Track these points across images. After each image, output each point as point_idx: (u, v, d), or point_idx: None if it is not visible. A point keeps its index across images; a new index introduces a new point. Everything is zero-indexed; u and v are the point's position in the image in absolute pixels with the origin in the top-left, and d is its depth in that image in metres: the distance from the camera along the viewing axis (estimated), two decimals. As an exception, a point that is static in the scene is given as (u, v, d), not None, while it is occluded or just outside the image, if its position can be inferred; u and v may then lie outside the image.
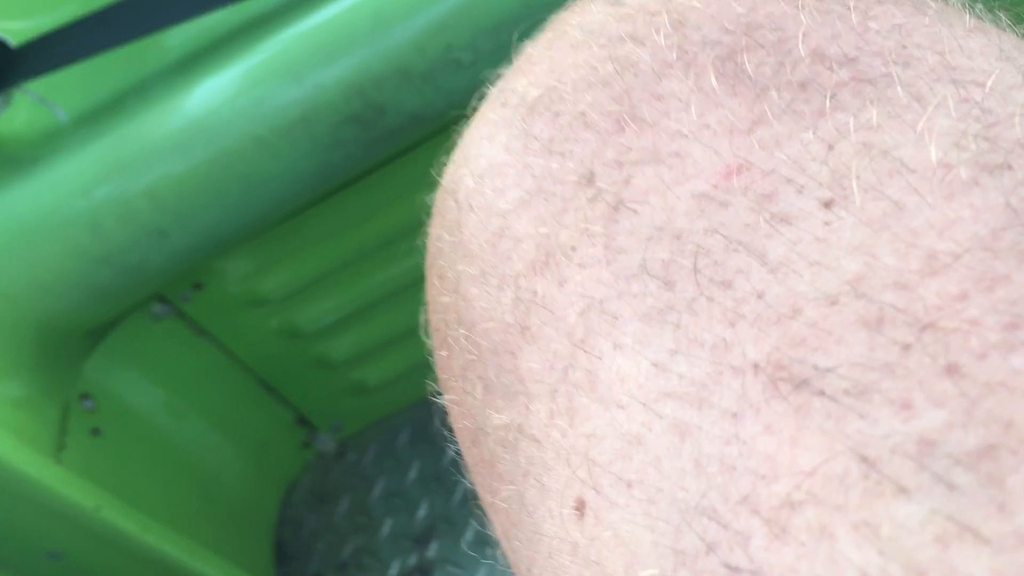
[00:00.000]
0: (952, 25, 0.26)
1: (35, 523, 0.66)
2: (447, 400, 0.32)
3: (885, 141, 0.23)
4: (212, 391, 0.85)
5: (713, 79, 0.26)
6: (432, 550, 0.85)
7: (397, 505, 0.87)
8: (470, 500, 0.83)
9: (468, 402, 0.29)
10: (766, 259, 0.22)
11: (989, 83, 0.24)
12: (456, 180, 0.31)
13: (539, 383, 0.25)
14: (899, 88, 0.24)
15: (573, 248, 0.25)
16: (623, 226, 0.25)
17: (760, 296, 0.21)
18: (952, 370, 0.18)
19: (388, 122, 0.65)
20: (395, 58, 0.63)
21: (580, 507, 0.23)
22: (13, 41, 0.62)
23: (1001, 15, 0.27)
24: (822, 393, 0.19)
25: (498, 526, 0.28)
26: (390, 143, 0.67)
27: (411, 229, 0.79)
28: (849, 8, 0.26)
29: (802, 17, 0.26)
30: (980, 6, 0.27)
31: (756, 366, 0.21)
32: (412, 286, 0.83)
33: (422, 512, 0.86)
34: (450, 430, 0.33)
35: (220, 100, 0.64)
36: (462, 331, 0.29)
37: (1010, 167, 0.21)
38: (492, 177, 0.29)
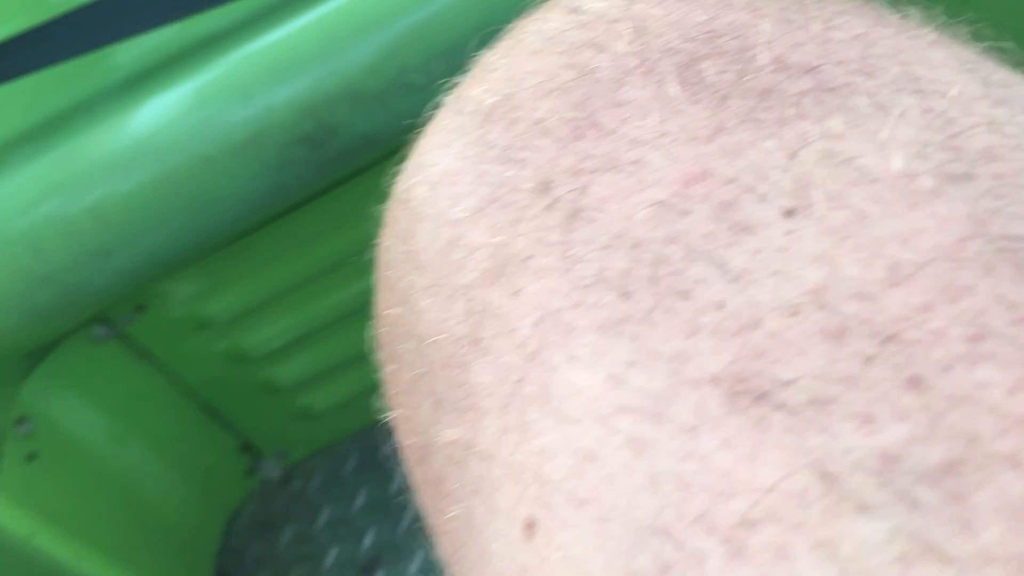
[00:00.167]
0: (914, 37, 0.26)
1: (-35, 551, 0.64)
2: (395, 416, 0.31)
3: (848, 150, 0.22)
4: (154, 416, 0.83)
5: (674, 87, 0.26)
6: (378, 580, 0.83)
7: (342, 534, 0.86)
8: (417, 528, 0.82)
9: (416, 418, 0.28)
10: (726, 268, 0.21)
11: (952, 94, 0.23)
12: (409, 189, 0.31)
13: (490, 397, 0.24)
14: (862, 97, 0.24)
15: (528, 257, 0.25)
16: (580, 235, 0.24)
17: (720, 306, 0.21)
18: (915, 382, 0.18)
19: (339, 144, 0.65)
20: (348, 80, 0.63)
21: (530, 526, 0.22)
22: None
23: (962, 30, 0.27)
24: (782, 406, 0.19)
25: (445, 548, 0.28)
26: (341, 165, 0.67)
27: (361, 252, 0.79)
28: (811, 18, 0.26)
29: (764, 26, 0.26)
30: (941, 21, 0.27)
31: (715, 378, 0.20)
32: (361, 310, 0.82)
33: (368, 541, 0.84)
34: (398, 450, 0.32)
35: (168, 118, 0.63)
36: (411, 344, 0.28)
37: (973, 177, 0.21)
38: (446, 185, 0.29)
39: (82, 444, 0.78)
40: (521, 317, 0.24)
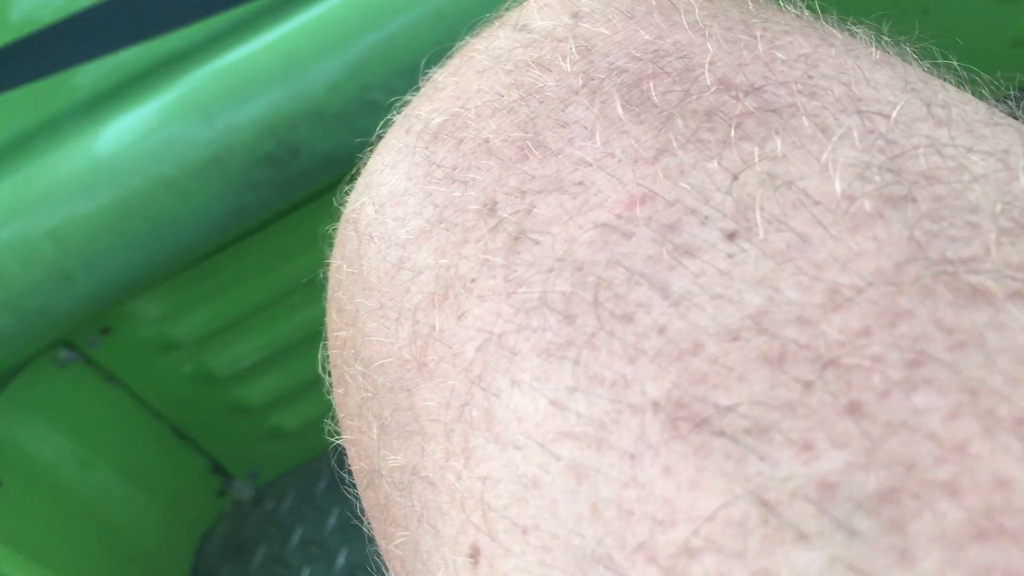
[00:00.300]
0: (858, 57, 0.26)
1: (-72, 581, 0.64)
2: (344, 440, 0.31)
3: (790, 172, 0.22)
4: (122, 439, 0.82)
5: (619, 106, 0.25)
6: (351, 600, 0.83)
7: (315, 554, 0.85)
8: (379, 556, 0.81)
9: (364, 442, 0.28)
10: (668, 292, 0.21)
11: (894, 114, 0.23)
12: (357, 208, 0.30)
13: (435, 422, 0.24)
14: (804, 118, 0.23)
15: (473, 280, 0.25)
16: (524, 257, 0.24)
17: (661, 331, 0.21)
18: (854, 409, 0.18)
19: (303, 163, 0.65)
20: (310, 99, 0.63)
21: (474, 555, 0.22)
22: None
23: (907, 48, 0.27)
24: (722, 433, 0.19)
25: (394, 574, 0.27)
26: (305, 184, 0.67)
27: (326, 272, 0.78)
28: (756, 37, 0.26)
29: (709, 46, 0.26)
30: (886, 39, 0.27)
31: (656, 404, 0.20)
32: (329, 329, 0.82)
33: (341, 560, 0.84)
34: (351, 476, 0.31)
35: (128, 139, 0.63)
36: (359, 367, 0.28)
37: (914, 199, 0.21)
38: (393, 206, 0.28)
39: (48, 470, 0.77)
40: (465, 341, 0.24)
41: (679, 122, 0.24)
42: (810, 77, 0.25)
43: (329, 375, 0.32)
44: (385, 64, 0.62)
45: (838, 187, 0.21)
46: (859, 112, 0.23)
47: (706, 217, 0.22)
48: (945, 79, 0.27)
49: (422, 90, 0.32)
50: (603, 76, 0.27)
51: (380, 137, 0.32)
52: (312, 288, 0.79)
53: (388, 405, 0.26)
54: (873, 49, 0.27)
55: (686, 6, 0.28)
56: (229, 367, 0.83)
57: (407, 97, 0.33)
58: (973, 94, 0.26)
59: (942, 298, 0.19)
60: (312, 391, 0.86)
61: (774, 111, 0.24)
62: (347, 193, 0.32)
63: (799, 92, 0.24)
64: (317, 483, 0.89)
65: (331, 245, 0.33)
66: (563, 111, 0.26)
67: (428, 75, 0.33)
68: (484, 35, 0.32)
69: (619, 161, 0.24)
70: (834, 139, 0.23)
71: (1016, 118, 0.25)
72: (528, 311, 0.23)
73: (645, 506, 0.19)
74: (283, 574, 0.85)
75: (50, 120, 0.64)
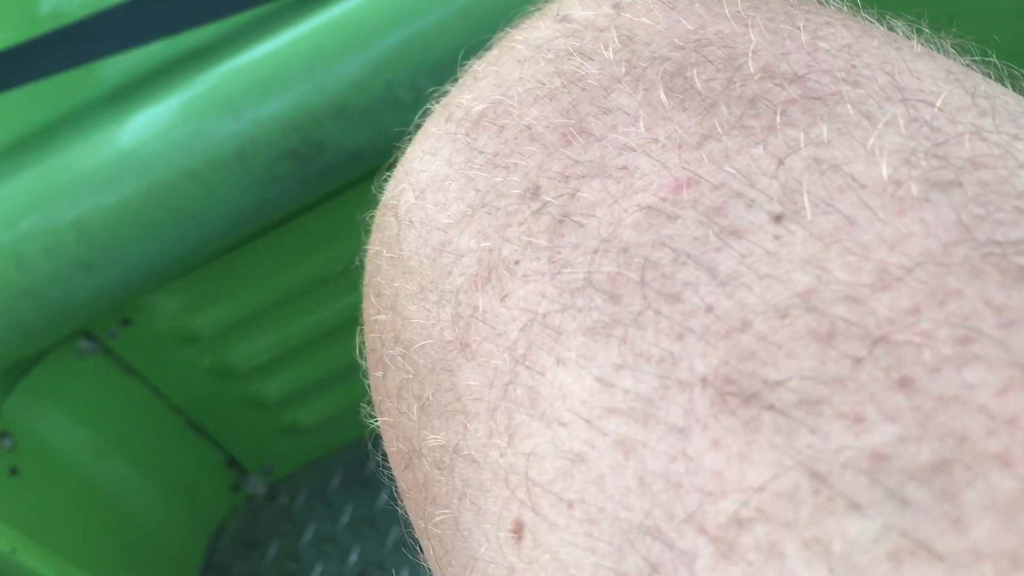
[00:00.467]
0: (900, 48, 0.26)
1: (-54, 566, 0.64)
2: (381, 422, 0.31)
3: (835, 157, 0.22)
4: (138, 431, 0.83)
5: (662, 94, 0.26)
6: (363, 597, 0.83)
7: (328, 551, 0.85)
8: (403, 545, 0.81)
9: (403, 423, 0.28)
10: (715, 272, 0.21)
11: (938, 103, 0.24)
12: (397, 195, 0.31)
13: (478, 401, 0.24)
14: (849, 106, 0.24)
15: (516, 262, 0.25)
16: (568, 239, 0.24)
17: (709, 309, 0.21)
18: (905, 384, 0.18)
19: (326, 159, 0.65)
20: (335, 95, 0.63)
21: (518, 529, 0.23)
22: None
23: (946, 42, 0.27)
24: (772, 407, 0.19)
25: (431, 554, 0.27)
26: (328, 180, 0.67)
27: (347, 268, 0.78)
28: (799, 28, 0.27)
29: (752, 35, 0.26)
30: (928, 32, 0.27)
31: (704, 380, 0.20)
32: (347, 326, 0.82)
33: (353, 558, 0.84)
34: (384, 464, 0.32)
35: (154, 132, 0.63)
36: (399, 349, 0.28)
37: (960, 184, 0.21)
38: (434, 191, 0.29)
39: (65, 459, 0.77)
40: (509, 321, 0.24)
41: (723, 109, 0.25)
42: (853, 66, 0.25)
43: (365, 360, 0.33)
44: (410, 62, 0.62)
45: (884, 171, 0.22)
46: (903, 100, 0.24)
47: (752, 200, 0.22)
48: (987, 74, 0.27)
49: (461, 80, 0.32)
50: (646, 64, 0.27)
51: (418, 126, 0.32)
52: (331, 284, 0.80)
53: (429, 386, 0.26)
54: (915, 42, 0.27)
55: None
56: (247, 362, 0.83)
57: (445, 88, 0.33)
58: (1014, 90, 0.27)
59: (991, 278, 0.19)
60: (328, 388, 0.86)
61: (818, 99, 0.24)
62: (385, 181, 0.33)
63: (843, 80, 0.25)
64: (331, 480, 0.90)
65: (368, 232, 0.33)
66: (606, 98, 0.27)
67: (466, 66, 0.33)
68: (524, 26, 0.32)
69: (663, 146, 0.24)
70: (879, 126, 0.23)
71: None
72: (573, 291, 0.23)
73: (694, 478, 0.19)
74: (295, 570, 0.85)
75: (76, 111, 0.64)
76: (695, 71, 0.26)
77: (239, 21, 0.63)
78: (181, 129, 0.63)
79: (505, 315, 0.24)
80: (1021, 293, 0.19)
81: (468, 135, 0.29)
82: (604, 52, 0.28)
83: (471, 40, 0.60)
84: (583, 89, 0.27)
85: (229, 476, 0.91)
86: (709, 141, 0.24)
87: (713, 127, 0.24)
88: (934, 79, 0.25)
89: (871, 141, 0.23)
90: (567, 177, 0.25)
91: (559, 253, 0.24)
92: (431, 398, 0.26)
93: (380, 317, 0.30)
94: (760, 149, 0.23)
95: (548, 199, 0.25)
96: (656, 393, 0.21)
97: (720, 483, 0.19)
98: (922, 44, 0.27)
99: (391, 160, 0.34)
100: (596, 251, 0.23)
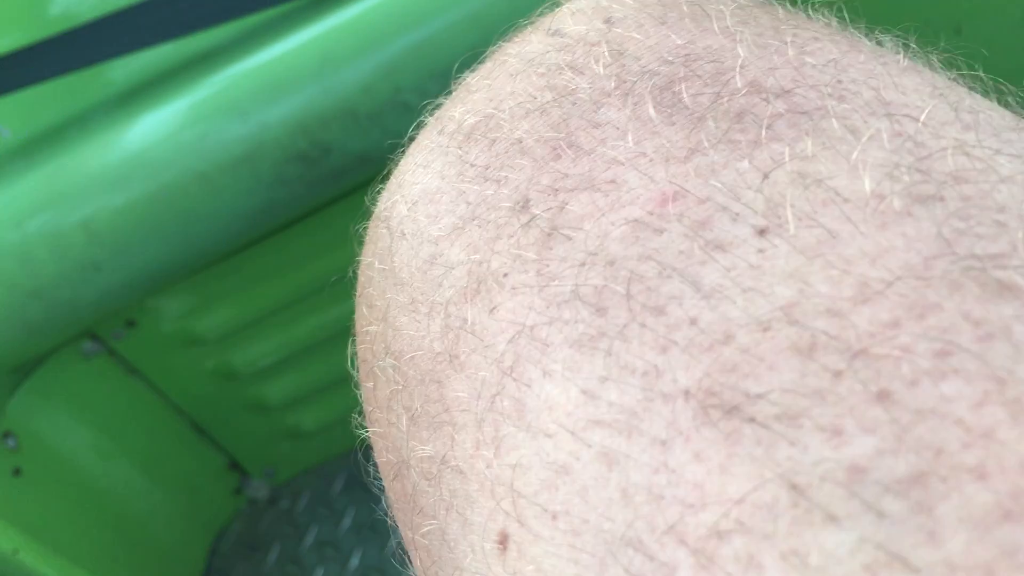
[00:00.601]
0: (887, 63, 0.27)
1: (-52, 565, 0.64)
2: (372, 433, 0.31)
3: (820, 171, 0.23)
4: (142, 433, 0.83)
5: (651, 108, 0.26)
6: (364, 602, 0.83)
7: (329, 554, 0.85)
8: (404, 551, 0.81)
9: (392, 434, 0.29)
10: (700, 285, 0.22)
11: (922, 118, 0.24)
12: (389, 207, 0.31)
13: (465, 412, 0.25)
14: (834, 120, 0.24)
15: (505, 275, 0.25)
16: (556, 252, 0.24)
17: (693, 322, 0.21)
18: (883, 397, 0.18)
19: (333, 162, 0.65)
20: (343, 98, 0.63)
21: (503, 541, 0.23)
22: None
23: (933, 57, 0.27)
24: (753, 420, 0.19)
25: (418, 564, 0.28)
26: (335, 183, 0.67)
27: (353, 272, 0.78)
28: (786, 43, 0.27)
29: (739, 50, 0.27)
30: (913, 47, 0.27)
31: (687, 393, 0.20)
32: (351, 331, 0.82)
33: (355, 562, 0.84)
34: (378, 471, 0.32)
35: (163, 134, 0.63)
36: (389, 360, 0.29)
37: (942, 198, 0.21)
38: (426, 204, 0.29)
39: (68, 460, 0.77)
40: (497, 333, 0.24)
41: (710, 123, 0.25)
42: (839, 81, 0.25)
43: (356, 371, 0.33)
44: (418, 66, 0.62)
45: (867, 186, 0.22)
46: (888, 115, 0.24)
47: (737, 214, 0.23)
48: (973, 88, 0.27)
49: (454, 93, 0.33)
50: (635, 79, 0.27)
51: (412, 139, 0.33)
52: (336, 288, 0.79)
53: (418, 397, 0.27)
54: (901, 56, 0.27)
55: (717, 13, 0.28)
56: (251, 365, 0.83)
57: (439, 100, 0.33)
58: (999, 103, 0.27)
59: (970, 292, 0.19)
60: (331, 392, 0.86)
61: (804, 113, 0.24)
62: (378, 192, 0.33)
63: (829, 95, 0.25)
64: (333, 484, 0.90)
65: (361, 243, 0.33)
66: (596, 112, 0.27)
67: (460, 79, 0.33)
68: (516, 39, 0.32)
69: (651, 160, 0.25)
70: (863, 140, 0.23)
71: None
72: (560, 304, 0.23)
73: (675, 490, 0.20)
74: (297, 574, 0.85)
75: (85, 113, 0.64)
76: (683, 85, 0.26)
77: (248, 24, 0.63)
78: (189, 131, 0.63)
79: (493, 327, 0.25)
80: (999, 307, 0.19)
81: (460, 148, 0.29)
82: (594, 66, 0.28)
83: (478, 46, 0.61)
84: (573, 103, 0.27)
85: (232, 479, 0.91)
86: (696, 155, 0.24)
87: (700, 141, 0.25)
88: (919, 93, 0.25)
89: (855, 155, 0.23)
90: (556, 190, 0.26)
91: (547, 266, 0.24)
92: (420, 409, 0.27)
93: (371, 328, 0.30)
94: (746, 163, 0.24)
95: (537, 212, 0.25)
96: (640, 405, 0.21)
97: (701, 495, 0.19)
98: (909, 59, 0.27)
99: (385, 171, 0.34)
100: (583, 264, 0.24)
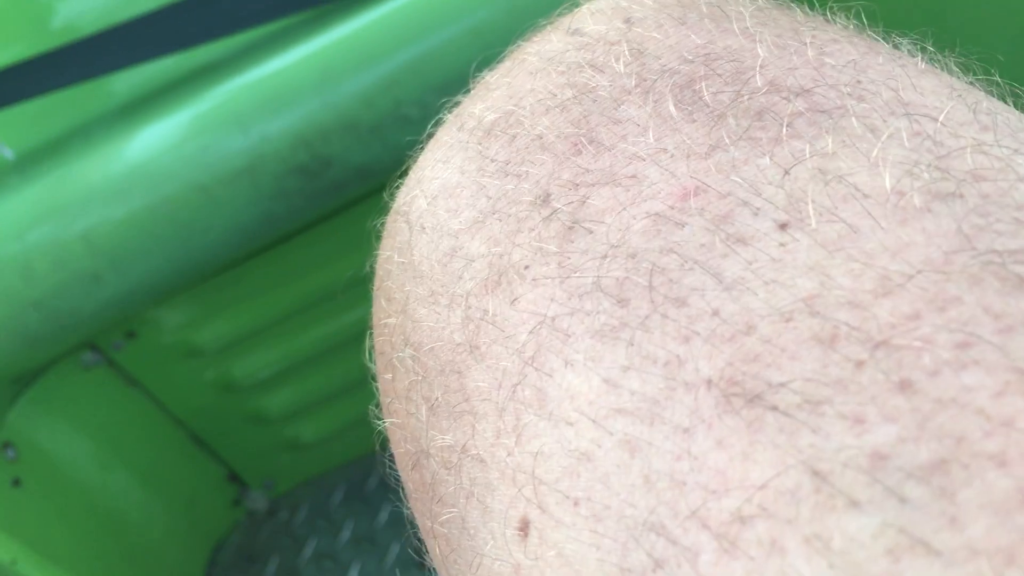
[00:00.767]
0: (905, 65, 0.27)
1: (-54, 574, 0.64)
2: (389, 424, 0.31)
3: (840, 168, 0.23)
4: (141, 444, 0.83)
5: (671, 105, 0.26)
6: (362, 614, 0.83)
7: (328, 567, 0.85)
8: (402, 563, 0.81)
9: (411, 424, 0.29)
10: (721, 277, 0.22)
11: (941, 118, 0.24)
12: (408, 202, 0.31)
13: (486, 402, 0.25)
14: (854, 119, 0.24)
15: (526, 267, 0.25)
16: (578, 245, 0.25)
17: (715, 313, 0.21)
18: (905, 386, 0.19)
19: (334, 175, 0.65)
20: (343, 111, 0.63)
21: (524, 527, 0.23)
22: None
23: (949, 61, 0.28)
24: (775, 408, 0.19)
25: (436, 553, 0.28)
26: (335, 196, 0.67)
27: (353, 284, 0.78)
28: (805, 44, 0.27)
29: (759, 50, 0.27)
30: (931, 50, 0.28)
31: (709, 382, 0.21)
32: (351, 342, 0.82)
33: (353, 574, 0.84)
34: (385, 482, 0.32)
35: (163, 146, 0.63)
36: (408, 352, 0.29)
37: (961, 195, 0.22)
38: (446, 198, 0.29)
39: (67, 471, 0.77)
40: (518, 324, 0.25)
41: (731, 120, 0.25)
42: (859, 82, 0.26)
43: (373, 363, 0.33)
44: (419, 80, 0.63)
45: (888, 182, 0.22)
46: (907, 115, 0.24)
47: (758, 208, 0.23)
48: (989, 92, 0.28)
49: (473, 91, 0.33)
50: (655, 77, 0.27)
51: (431, 135, 0.33)
52: (336, 300, 0.80)
53: (438, 387, 0.27)
54: (919, 59, 0.28)
55: (737, 14, 0.29)
56: (250, 376, 0.83)
57: (457, 99, 0.34)
58: (1016, 107, 0.27)
59: (990, 286, 0.20)
60: (331, 404, 0.86)
61: (824, 112, 0.25)
62: (397, 188, 0.33)
63: (848, 95, 0.25)
64: (331, 496, 0.90)
65: (378, 239, 0.33)
66: (616, 109, 0.27)
67: (478, 78, 0.34)
68: (536, 39, 0.32)
69: (672, 156, 0.25)
70: (883, 138, 0.23)
71: None
72: (582, 295, 0.24)
73: (698, 476, 0.20)
74: (295, 586, 0.85)
75: (87, 125, 0.65)
76: (704, 84, 0.27)
77: (250, 37, 0.64)
78: (190, 143, 0.63)
79: (515, 318, 0.25)
80: (1019, 300, 0.19)
81: (480, 144, 0.29)
82: (615, 65, 0.28)
83: (478, 59, 0.61)
84: (594, 100, 0.28)
85: (230, 491, 0.91)
86: (717, 151, 0.25)
87: (721, 138, 0.25)
88: (937, 95, 0.26)
89: (875, 153, 0.23)
90: (577, 185, 0.26)
91: (568, 258, 0.25)
92: (440, 399, 0.27)
93: (390, 321, 0.30)
94: (766, 160, 0.24)
95: (558, 206, 0.26)
96: (662, 394, 0.21)
97: (724, 481, 0.19)
98: (926, 62, 0.28)
99: (401, 171, 0.34)
100: (605, 256, 0.24)
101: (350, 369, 0.83)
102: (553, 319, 0.24)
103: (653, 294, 0.23)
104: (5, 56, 0.62)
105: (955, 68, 0.28)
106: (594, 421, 0.22)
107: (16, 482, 0.71)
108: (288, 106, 0.63)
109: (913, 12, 0.67)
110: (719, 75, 0.27)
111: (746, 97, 0.26)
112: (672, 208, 0.24)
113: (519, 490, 0.23)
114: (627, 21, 0.30)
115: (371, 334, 0.33)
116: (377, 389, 0.32)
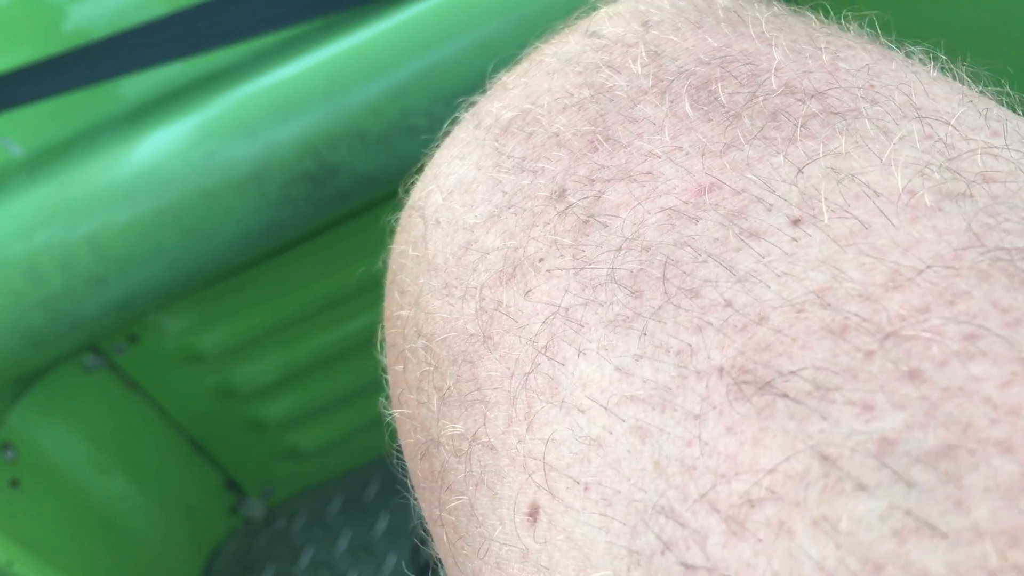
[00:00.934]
0: (917, 72, 0.28)
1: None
2: (399, 415, 0.32)
3: (853, 167, 0.23)
4: (140, 448, 0.83)
5: (687, 105, 0.27)
6: (357, 625, 0.82)
7: (324, 576, 0.85)
8: (399, 572, 0.81)
9: (422, 414, 0.29)
10: (735, 270, 0.22)
11: (952, 122, 0.25)
12: (424, 196, 0.32)
13: (498, 391, 0.25)
14: (867, 121, 0.25)
15: (541, 259, 0.26)
16: (592, 238, 0.25)
17: (727, 304, 0.22)
18: (914, 375, 0.19)
19: (340, 183, 0.66)
20: (351, 120, 0.64)
21: (533, 512, 0.23)
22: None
23: (960, 71, 0.28)
24: (785, 395, 0.20)
25: (443, 540, 0.28)
26: (341, 204, 0.68)
27: (355, 293, 0.79)
28: (820, 49, 0.28)
29: (774, 54, 0.28)
30: (943, 59, 0.28)
31: (721, 370, 0.21)
32: (352, 351, 0.82)
33: (350, 583, 0.84)
34: (401, 453, 0.32)
35: (170, 151, 0.64)
36: (421, 343, 0.29)
37: (971, 196, 0.22)
38: (461, 193, 0.30)
39: (66, 473, 0.77)
40: (532, 314, 0.25)
41: (746, 120, 0.26)
42: (872, 86, 0.26)
43: (384, 356, 0.33)
44: (427, 90, 0.63)
45: (899, 182, 0.23)
46: (919, 118, 0.25)
47: (772, 205, 0.23)
48: (999, 102, 0.28)
49: (491, 90, 0.33)
50: (672, 78, 0.28)
51: (447, 133, 0.33)
52: (339, 309, 0.80)
53: (450, 376, 0.27)
54: (931, 66, 0.28)
55: (753, 19, 0.29)
56: (251, 383, 0.83)
57: (474, 98, 0.34)
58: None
59: (998, 281, 0.20)
60: (331, 413, 0.86)
61: (837, 114, 0.25)
62: (412, 184, 0.33)
63: (862, 98, 0.26)
64: (329, 505, 0.89)
65: (393, 233, 0.34)
66: (632, 108, 0.28)
67: (495, 78, 0.34)
68: (553, 41, 0.33)
69: (687, 154, 0.26)
70: (895, 140, 0.24)
71: None
72: (596, 286, 0.24)
73: (708, 461, 0.20)
74: (290, 594, 0.85)
75: (95, 128, 0.65)
76: (719, 85, 0.27)
77: (259, 45, 0.64)
78: (198, 149, 0.64)
79: (528, 309, 0.25)
80: None
81: (497, 141, 0.30)
82: (632, 66, 0.29)
83: (487, 70, 0.61)
84: (610, 100, 0.28)
85: (228, 497, 0.90)
86: (731, 150, 0.25)
87: (736, 137, 0.25)
88: (949, 101, 0.26)
89: (887, 154, 0.24)
90: (593, 181, 0.26)
91: (583, 251, 0.25)
92: (451, 388, 0.27)
93: (403, 313, 0.31)
94: (780, 158, 0.24)
95: (574, 201, 0.26)
96: (674, 382, 0.22)
97: (733, 465, 0.20)
98: (937, 70, 0.28)
99: (414, 170, 0.34)
100: (619, 249, 0.24)
101: (350, 378, 0.83)
102: (567, 309, 0.24)
103: (667, 285, 0.23)
104: (16, 58, 0.62)
105: (966, 78, 0.29)
106: (606, 408, 0.22)
107: (14, 483, 0.71)
108: (296, 114, 0.63)
109: (925, 23, 0.67)
110: (735, 77, 0.27)
111: (761, 98, 0.26)
112: (687, 203, 0.24)
113: (529, 476, 0.23)
114: (644, 24, 0.31)
115: (382, 327, 0.33)
116: (387, 381, 0.33)
